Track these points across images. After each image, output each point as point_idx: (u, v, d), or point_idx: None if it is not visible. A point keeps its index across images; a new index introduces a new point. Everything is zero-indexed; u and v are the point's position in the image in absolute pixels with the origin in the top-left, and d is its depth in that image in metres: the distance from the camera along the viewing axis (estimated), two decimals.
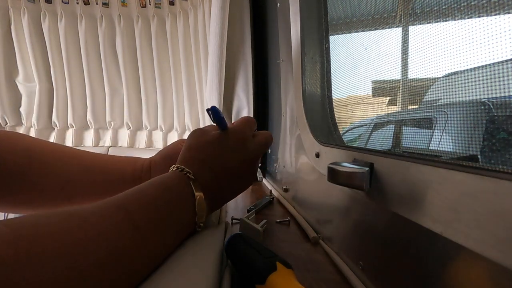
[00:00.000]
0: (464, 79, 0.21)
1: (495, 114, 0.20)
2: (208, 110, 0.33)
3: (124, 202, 0.23)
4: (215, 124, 0.34)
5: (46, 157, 0.36)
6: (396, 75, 0.33)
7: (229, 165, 0.32)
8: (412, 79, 0.31)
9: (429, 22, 0.27)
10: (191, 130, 0.38)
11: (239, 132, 0.34)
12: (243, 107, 0.93)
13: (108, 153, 1.44)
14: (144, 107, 1.41)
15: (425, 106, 0.29)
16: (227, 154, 0.32)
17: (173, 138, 1.41)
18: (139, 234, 0.22)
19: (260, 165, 0.90)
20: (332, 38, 0.52)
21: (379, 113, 0.41)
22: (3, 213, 1.23)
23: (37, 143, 0.37)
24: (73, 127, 1.43)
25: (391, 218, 0.24)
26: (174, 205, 0.26)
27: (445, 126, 0.26)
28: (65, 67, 1.36)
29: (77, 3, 1.31)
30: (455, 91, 0.23)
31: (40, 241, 0.16)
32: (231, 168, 0.32)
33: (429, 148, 0.29)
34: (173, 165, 0.32)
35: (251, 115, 0.92)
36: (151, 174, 0.42)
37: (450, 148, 0.25)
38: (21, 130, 1.43)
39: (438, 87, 0.25)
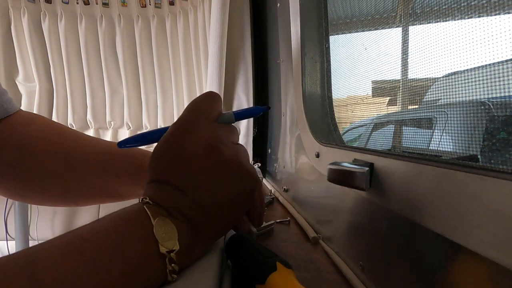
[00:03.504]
0: (464, 79, 0.21)
1: (495, 114, 0.20)
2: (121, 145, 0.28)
3: (36, 250, 0.17)
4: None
5: (40, 156, 0.35)
6: (396, 75, 0.33)
7: (185, 169, 0.24)
8: (412, 79, 0.31)
9: (429, 22, 0.27)
10: None
11: (178, 127, 0.26)
12: (243, 107, 0.93)
13: None
14: (144, 107, 1.41)
15: (425, 106, 0.29)
16: (174, 160, 0.24)
17: None
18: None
19: (260, 164, 0.91)
20: (332, 38, 0.52)
21: (379, 113, 0.41)
22: (3, 214, 1.23)
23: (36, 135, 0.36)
24: (73, 127, 1.43)
25: (391, 218, 0.24)
26: (113, 238, 0.19)
27: (445, 126, 0.26)
28: (65, 67, 1.36)
29: (77, 3, 1.31)
30: (455, 91, 0.23)
31: None
32: (187, 170, 0.24)
33: (429, 148, 0.29)
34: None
35: None
36: None
37: (450, 148, 0.25)
38: None
39: (438, 87, 0.25)
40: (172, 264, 0.21)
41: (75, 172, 0.36)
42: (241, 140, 0.94)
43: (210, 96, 0.28)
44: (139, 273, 0.19)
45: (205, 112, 0.27)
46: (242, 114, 0.29)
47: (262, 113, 0.29)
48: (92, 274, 0.17)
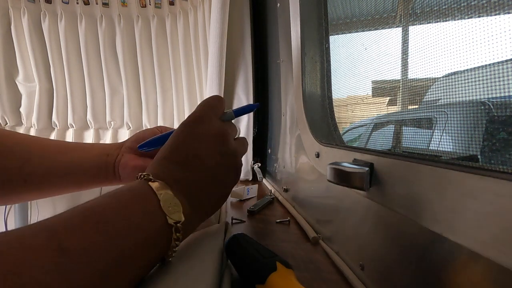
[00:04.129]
0: (464, 79, 0.21)
1: (495, 114, 0.20)
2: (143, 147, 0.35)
3: (53, 221, 0.19)
4: None
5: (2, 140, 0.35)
6: (396, 75, 0.33)
7: (193, 150, 0.28)
8: (412, 79, 0.31)
9: (429, 22, 0.27)
10: None
11: (193, 117, 0.30)
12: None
13: None
14: (144, 107, 1.41)
15: (425, 106, 0.29)
16: (186, 141, 0.29)
17: None
18: (67, 259, 0.17)
19: (259, 165, 0.91)
20: (332, 38, 0.52)
21: (379, 113, 0.41)
22: (3, 214, 1.23)
23: None
24: (73, 127, 1.43)
25: (391, 218, 0.24)
26: (124, 211, 0.22)
27: (445, 126, 0.26)
28: (65, 67, 1.36)
29: (77, 3, 1.31)
30: (455, 91, 0.23)
31: None
32: (195, 150, 0.28)
33: (429, 148, 0.29)
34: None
35: (251, 115, 0.92)
36: (121, 157, 0.39)
37: (450, 148, 0.25)
38: (21, 130, 1.43)
39: (438, 87, 0.25)
40: (177, 234, 0.23)
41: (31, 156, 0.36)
42: None
43: (218, 98, 0.33)
44: (150, 242, 0.22)
45: (215, 109, 0.32)
46: (240, 111, 0.35)
47: (256, 108, 0.37)
48: (110, 244, 0.19)
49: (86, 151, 0.39)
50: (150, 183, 0.24)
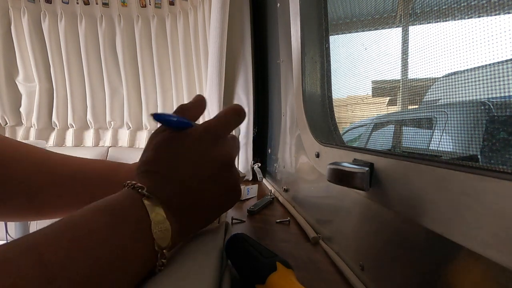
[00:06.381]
0: (464, 79, 0.21)
1: (495, 114, 0.20)
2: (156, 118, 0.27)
3: (36, 239, 0.18)
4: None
5: (8, 162, 0.30)
6: (396, 75, 0.33)
7: (194, 171, 0.26)
8: (412, 79, 0.31)
9: (429, 22, 0.27)
10: None
11: (204, 129, 0.28)
12: (243, 107, 0.93)
13: (108, 153, 1.44)
14: (144, 107, 1.41)
15: (425, 106, 0.29)
16: (187, 158, 0.26)
17: None
18: (49, 272, 0.16)
19: (259, 165, 0.91)
20: (332, 38, 0.52)
21: (379, 113, 0.41)
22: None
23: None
24: (73, 127, 1.43)
25: (391, 218, 0.24)
26: (113, 233, 0.20)
27: (445, 126, 0.26)
28: (65, 67, 1.36)
29: (77, 3, 1.31)
30: (455, 91, 0.23)
31: None
32: (196, 175, 0.26)
33: (429, 148, 0.29)
34: (126, 182, 0.25)
35: (251, 115, 0.92)
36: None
37: (450, 148, 0.25)
38: (21, 130, 1.43)
39: (438, 87, 0.25)
40: (162, 259, 0.23)
41: (43, 176, 0.33)
42: (241, 140, 0.94)
43: (238, 112, 0.32)
44: (133, 265, 0.21)
45: (231, 127, 0.30)
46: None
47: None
48: (91, 257, 0.18)
49: (110, 183, 0.35)
50: (144, 200, 0.23)
